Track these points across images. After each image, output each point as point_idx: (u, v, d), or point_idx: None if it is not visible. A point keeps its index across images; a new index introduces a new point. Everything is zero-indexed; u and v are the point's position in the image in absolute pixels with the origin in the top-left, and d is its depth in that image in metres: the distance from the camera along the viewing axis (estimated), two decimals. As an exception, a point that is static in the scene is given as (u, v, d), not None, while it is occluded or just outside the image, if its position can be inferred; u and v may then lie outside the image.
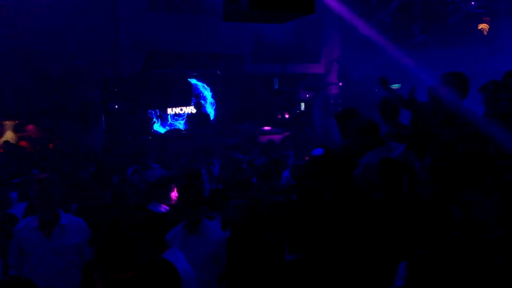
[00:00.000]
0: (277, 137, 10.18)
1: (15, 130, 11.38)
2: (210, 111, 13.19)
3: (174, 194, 4.24)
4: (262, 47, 9.44)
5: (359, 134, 4.58)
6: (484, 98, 5.07)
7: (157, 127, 12.36)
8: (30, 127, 11.56)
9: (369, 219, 3.35)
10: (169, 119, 12.61)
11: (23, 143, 11.08)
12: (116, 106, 10.14)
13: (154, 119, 12.32)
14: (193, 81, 12.90)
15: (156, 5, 8.30)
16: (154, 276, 2.53)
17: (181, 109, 12.65)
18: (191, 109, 12.62)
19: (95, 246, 2.82)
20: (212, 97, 13.19)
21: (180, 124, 12.68)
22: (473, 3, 9.77)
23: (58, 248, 3.46)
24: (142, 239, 3.04)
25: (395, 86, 12.00)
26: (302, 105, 12.74)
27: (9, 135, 11.14)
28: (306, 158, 6.82)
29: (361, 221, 3.26)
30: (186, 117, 12.64)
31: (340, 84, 11.05)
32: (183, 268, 2.97)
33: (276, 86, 12.43)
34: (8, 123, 11.18)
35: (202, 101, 12.90)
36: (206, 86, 13.10)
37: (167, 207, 4.18)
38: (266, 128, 11.11)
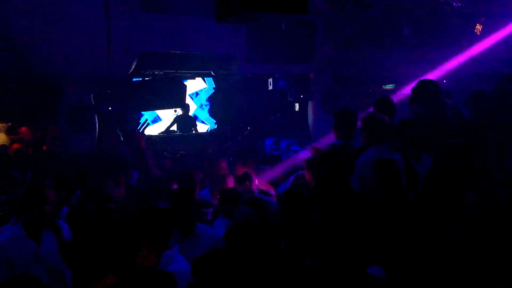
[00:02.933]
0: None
1: (8, 132, 11.30)
2: (204, 112, 13.17)
3: None
4: (256, 47, 9.41)
5: (365, 130, 4.54)
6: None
7: (151, 128, 12.32)
8: (23, 129, 11.48)
9: (368, 220, 3.33)
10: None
11: (16, 145, 11.00)
12: (110, 108, 10.08)
13: (149, 121, 12.27)
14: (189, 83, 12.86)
15: (149, 6, 8.25)
16: (140, 283, 2.46)
17: (175, 111, 12.61)
18: (179, 111, 12.60)
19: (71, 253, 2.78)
20: (206, 98, 13.17)
21: (175, 126, 12.65)
22: (460, 4, 9.80)
23: (49, 255, 3.37)
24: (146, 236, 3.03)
25: (389, 86, 12.04)
26: (297, 106, 12.73)
27: (1, 138, 11.07)
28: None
29: (359, 223, 3.24)
30: (179, 117, 12.62)
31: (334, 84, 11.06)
32: (178, 270, 2.94)
33: (271, 87, 12.40)
34: (0, 125, 11.11)
35: (196, 103, 12.90)
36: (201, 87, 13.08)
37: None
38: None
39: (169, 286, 2.45)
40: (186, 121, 12.43)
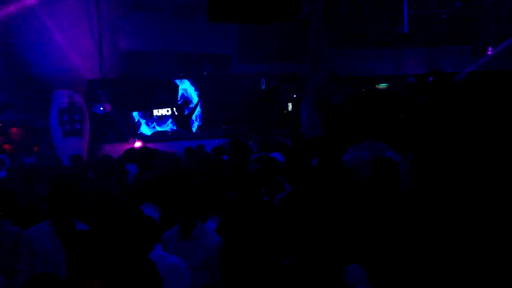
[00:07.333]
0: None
1: (-2, 133, 11.17)
2: (197, 112, 13.11)
3: None
4: (249, 47, 9.39)
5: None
6: None
7: (143, 128, 12.24)
8: (14, 129, 11.36)
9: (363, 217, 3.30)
10: (155, 121, 12.51)
11: (6, 146, 10.88)
12: (102, 108, 10.00)
13: (140, 121, 12.20)
14: (181, 83, 12.79)
15: (140, 5, 8.19)
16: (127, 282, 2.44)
17: (168, 111, 12.55)
18: (174, 110, 12.56)
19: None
20: (198, 97, 13.10)
21: (168, 126, 12.59)
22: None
23: None
24: (130, 242, 2.96)
25: (383, 85, 12.05)
26: (290, 105, 12.71)
27: (-8, 138, 10.94)
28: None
29: (353, 220, 3.21)
30: (171, 118, 12.57)
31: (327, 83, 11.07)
32: (169, 263, 2.85)
33: (263, 87, 12.37)
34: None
35: (188, 102, 12.84)
36: (192, 87, 13.01)
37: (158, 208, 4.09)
38: None
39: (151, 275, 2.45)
40: (180, 120, 12.41)
